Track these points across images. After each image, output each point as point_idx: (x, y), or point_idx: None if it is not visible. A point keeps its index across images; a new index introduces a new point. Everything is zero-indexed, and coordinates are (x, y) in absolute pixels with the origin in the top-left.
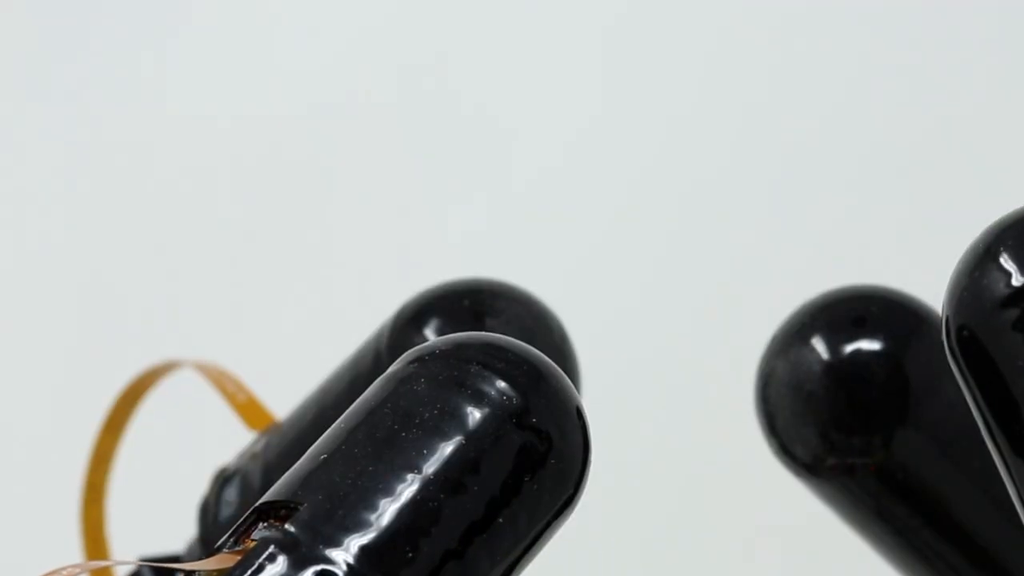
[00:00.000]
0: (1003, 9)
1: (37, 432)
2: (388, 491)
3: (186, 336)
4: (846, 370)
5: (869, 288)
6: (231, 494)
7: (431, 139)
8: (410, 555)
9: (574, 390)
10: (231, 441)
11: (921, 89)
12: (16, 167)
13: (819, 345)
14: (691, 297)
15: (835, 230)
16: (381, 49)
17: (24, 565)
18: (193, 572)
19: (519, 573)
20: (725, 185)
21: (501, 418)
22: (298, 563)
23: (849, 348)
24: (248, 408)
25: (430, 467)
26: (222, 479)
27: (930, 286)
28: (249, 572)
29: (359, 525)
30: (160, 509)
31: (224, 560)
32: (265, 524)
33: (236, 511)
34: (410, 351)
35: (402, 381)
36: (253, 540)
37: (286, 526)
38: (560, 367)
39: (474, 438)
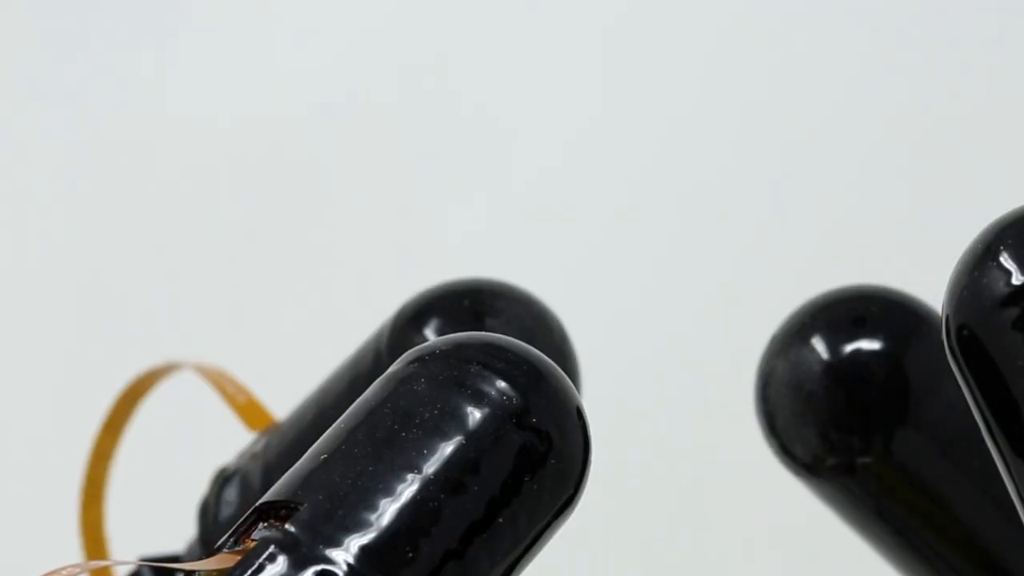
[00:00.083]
0: (1003, 9)
1: (37, 432)
2: (388, 491)
3: (186, 337)
4: (846, 370)
5: (869, 288)
6: (231, 494)
7: (431, 139)
8: (410, 555)
9: (574, 390)
10: (231, 441)
11: (921, 89)
12: (16, 167)
13: (819, 345)
14: (691, 297)
15: (835, 230)
16: (381, 49)
17: (24, 565)
18: (193, 572)
19: (519, 573)
20: (725, 185)
21: (501, 418)
22: (298, 563)
23: (849, 348)
24: (248, 409)
25: (430, 467)
26: (222, 479)
27: (930, 286)
28: (249, 572)
29: (359, 525)
30: (160, 509)
31: (224, 560)
32: (265, 524)
33: (236, 511)
34: (410, 351)
35: (402, 381)
36: (253, 540)
37: (286, 526)
38: (560, 367)
39: (474, 438)
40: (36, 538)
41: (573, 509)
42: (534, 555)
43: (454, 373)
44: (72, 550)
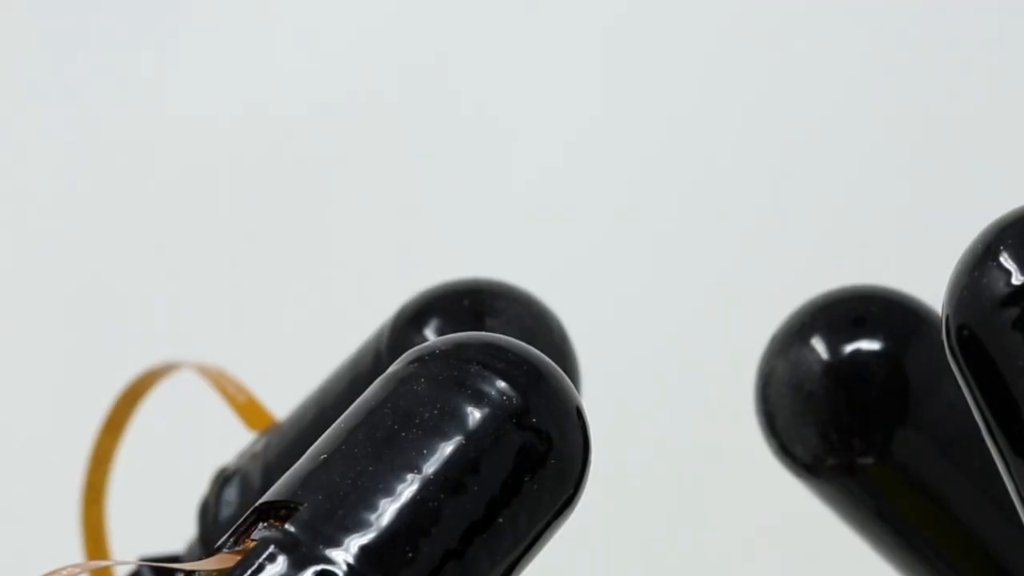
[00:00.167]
0: (1003, 9)
1: (37, 432)
2: (388, 491)
3: (186, 336)
4: (846, 370)
5: (869, 288)
6: (231, 494)
7: (431, 139)
8: (410, 555)
9: (574, 390)
10: (231, 441)
11: (921, 89)
12: (16, 167)
13: (819, 345)
14: (691, 297)
15: (835, 230)
16: (381, 49)
17: (25, 565)
18: (193, 572)
19: (519, 573)
20: (725, 185)
21: (501, 418)
22: (298, 563)
23: (849, 348)
24: (248, 409)
25: (430, 467)
26: (222, 479)
27: (930, 286)
28: (249, 572)
29: (359, 525)
30: (160, 509)
31: (224, 560)
32: (265, 524)
33: (236, 511)
34: (410, 351)
35: (402, 381)
36: (253, 540)
37: (286, 526)
38: (560, 367)
39: (474, 438)
40: (37, 538)
41: (573, 509)
42: (534, 555)
43: (454, 373)
44: (73, 550)
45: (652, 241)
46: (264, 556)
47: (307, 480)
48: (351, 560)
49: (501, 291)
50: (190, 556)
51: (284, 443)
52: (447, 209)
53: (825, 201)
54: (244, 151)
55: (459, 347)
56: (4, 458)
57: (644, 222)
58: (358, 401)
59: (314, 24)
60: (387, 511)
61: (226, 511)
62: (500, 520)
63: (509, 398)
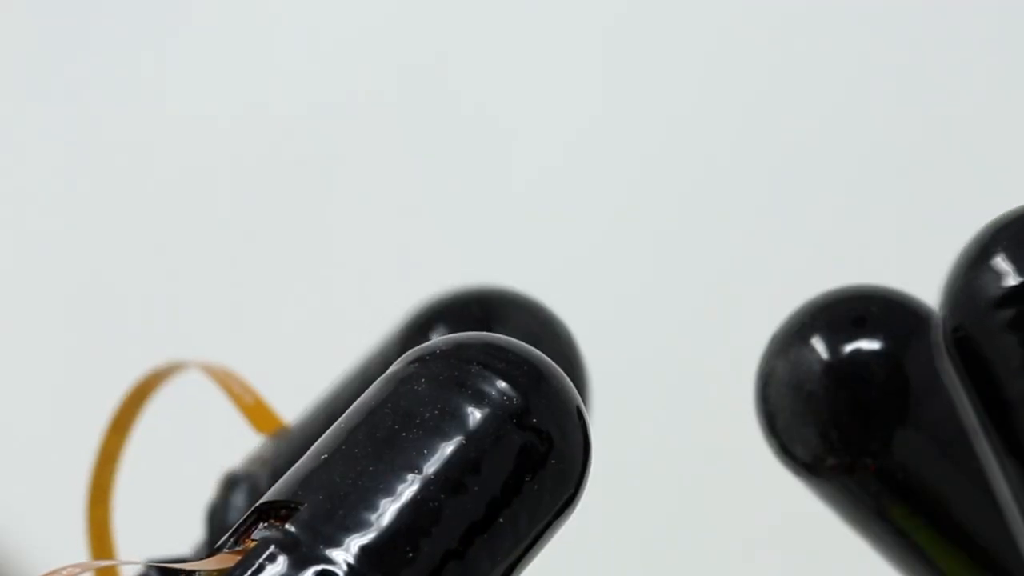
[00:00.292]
0: (1003, 9)
1: (42, 431)
2: (388, 491)
3: (191, 336)
4: (846, 370)
5: (869, 288)
6: (239, 499)
7: (431, 139)
8: (410, 555)
9: (575, 390)
10: (236, 443)
11: (921, 89)
12: (17, 168)
13: (819, 345)
14: (691, 297)
15: (835, 230)
16: (381, 49)
17: (31, 563)
18: (193, 572)
19: (519, 573)
20: (725, 185)
21: (501, 418)
22: (298, 563)
23: (849, 348)
24: (255, 410)
25: (430, 467)
26: (230, 483)
27: (930, 286)
28: (249, 572)
29: (359, 525)
30: (165, 510)
31: (224, 560)
32: (265, 524)
33: None
34: (411, 351)
35: (403, 381)
36: (253, 540)
37: (286, 526)
38: (568, 375)
39: (474, 438)
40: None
41: (573, 509)
42: (534, 555)
43: (455, 373)
44: (79, 549)
45: (652, 241)
46: (264, 556)
47: (307, 480)
48: (351, 560)
49: (510, 298)
50: (196, 559)
51: (294, 450)
52: (448, 209)
53: (825, 201)
54: (245, 151)
55: (460, 347)
56: (10, 457)
57: (644, 222)
58: (359, 401)
59: (314, 24)
60: (387, 511)
61: (234, 516)
62: (500, 520)
63: (510, 398)
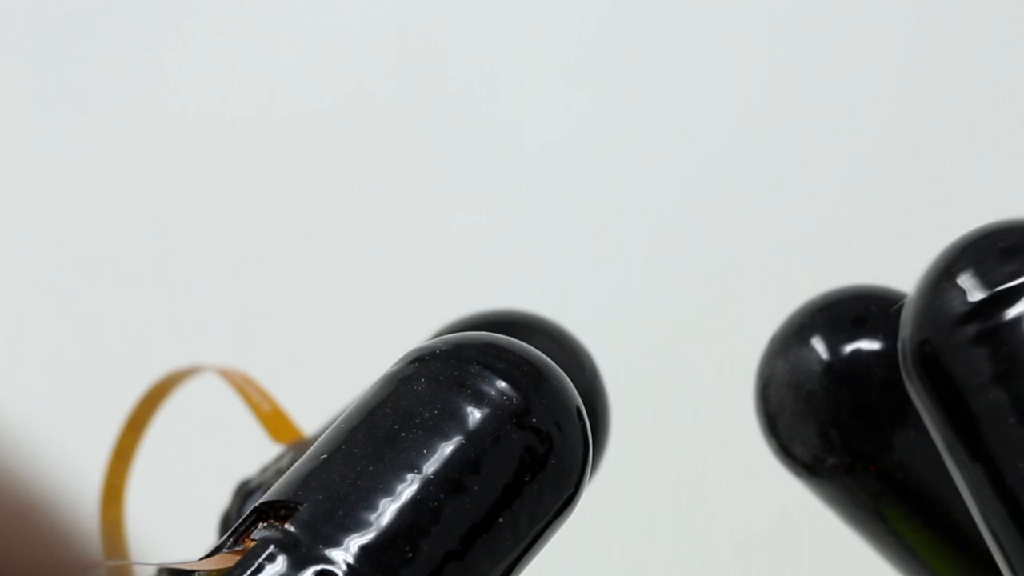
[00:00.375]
0: (1003, 9)
1: (57, 430)
2: (388, 491)
3: (211, 340)
4: (846, 370)
5: (869, 288)
6: None
7: (450, 142)
8: (410, 555)
9: (575, 390)
10: (252, 450)
11: (921, 89)
12: (24, 171)
13: (819, 345)
14: (691, 297)
15: (835, 230)
16: (383, 48)
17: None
18: (192, 572)
19: (519, 573)
20: (725, 185)
21: (501, 418)
22: (298, 563)
23: (849, 348)
24: (273, 419)
25: (430, 467)
26: (244, 492)
27: None
28: (249, 572)
29: (359, 525)
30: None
31: (224, 560)
32: (265, 524)
33: None
34: (411, 350)
35: (403, 381)
36: (253, 540)
37: (286, 526)
38: (591, 405)
39: (474, 438)
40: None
41: (573, 509)
42: (534, 555)
43: (454, 373)
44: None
45: (651, 240)
46: (264, 556)
47: (307, 480)
48: (351, 560)
49: (533, 324)
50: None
51: None
52: (475, 215)
53: (825, 201)
54: (263, 152)
55: (460, 347)
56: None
57: (643, 221)
58: (358, 400)
59: (334, 23)
60: (387, 511)
61: None
62: (500, 520)
63: (509, 398)
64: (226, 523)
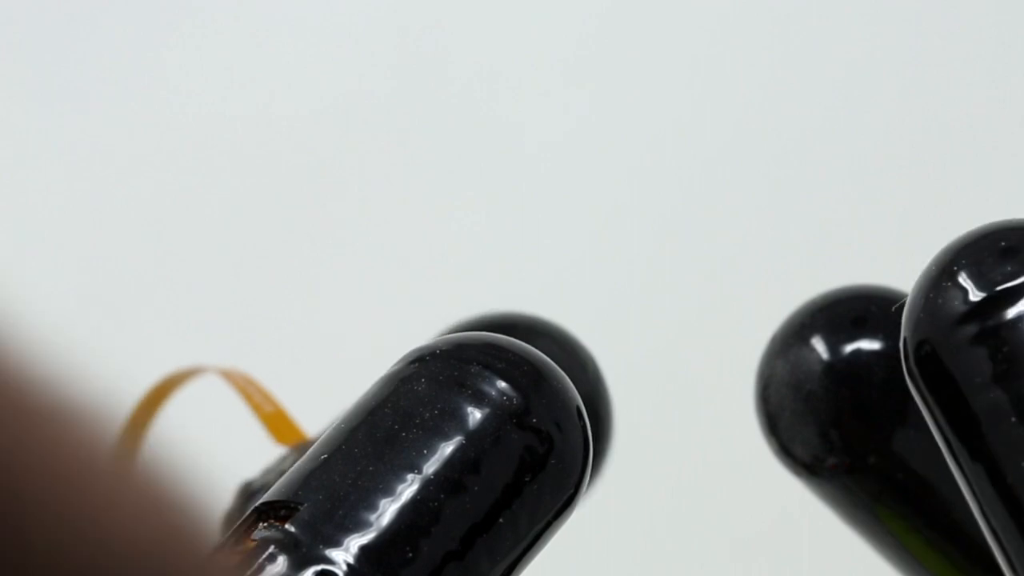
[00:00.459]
0: (1003, 9)
1: None
2: (388, 491)
3: (214, 341)
4: (846, 370)
5: (869, 288)
6: None
7: (450, 144)
8: (410, 555)
9: (574, 390)
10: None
11: (921, 89)
12: (23, 171)
13: (819, 345)
14: (691, 297)
15: (835, 230)
16: (394, 50)
17: None
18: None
19: (519, 573)
20: (725, 185)
21: (501, 418)
22: (298, 563)
23: (849, 348)
24: (275, 420)
25: (430, 467)
26: (247, 493)
27: None
28: (249, 572)
29: (359, 525)
30: None
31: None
32: (265, 524)
33: None
34: (411, 351)
35: (403, 381)
36: (253, 540)
37: (286, 526)
38: (593, 408)
39: (474, 438)
40: None
41: (573, 509)
42: (534, 555)
43: (455, 373)
44: None
45: (651, 240)
46: (264, 556)
47: (307, 480)
48: (351, 560)
49: (536, 327)
50: None
51: None
52: (475, 215)
53: (825, 201)
54: (252, 151)
55: (460, 347)
56: None
57: (644, 221)
58: (359, 400)
59: (337, 23)
60: (387, 511)
61: None
62: (500, 520)
63: (509, 398)
64: (229, 524)
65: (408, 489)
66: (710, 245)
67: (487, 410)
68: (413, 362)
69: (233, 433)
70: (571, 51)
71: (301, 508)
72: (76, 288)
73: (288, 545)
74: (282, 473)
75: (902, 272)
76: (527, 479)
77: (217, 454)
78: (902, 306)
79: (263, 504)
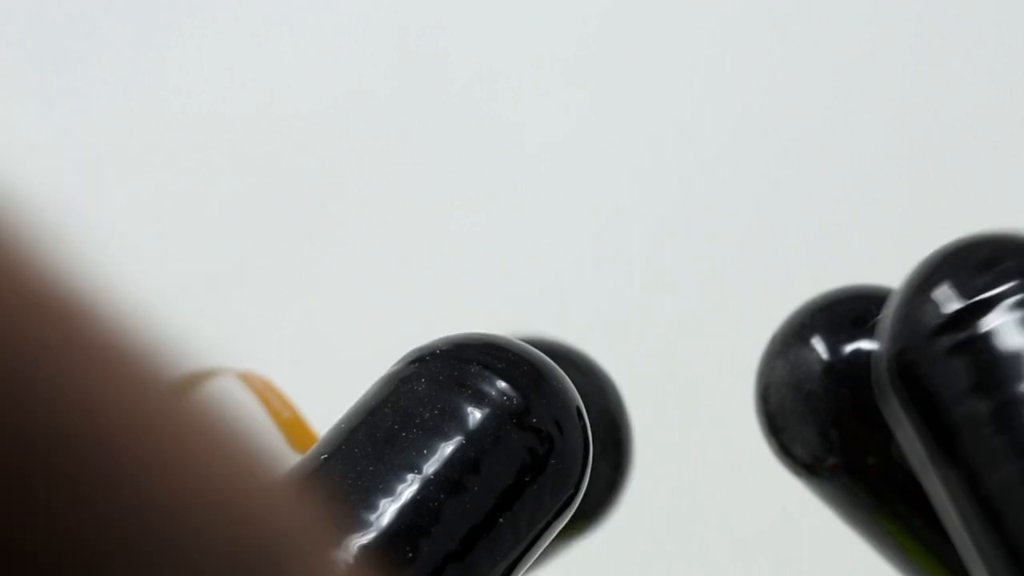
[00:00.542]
0: (1003, 9)
1: None
2: (388, 491)
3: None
4: (846, 370)
5: (869, 288)
6: None
7: (450, 144)
8: (410, 555)
9: (575, 391)
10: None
11: (921, 89)
12: (27, 171)
13: (819, 345)
14: (691, 297)
15: (835, 230)
16: (394, 50)
17: None
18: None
19: (519, 573)
20: (725, 185)
21: (501, 418)
22: None
23: (849, 348)
24: (292, 426)
25: (430, 467)
26: None
27: None
28: None
29: (359, 525)
30: None
31: None
32: None
33: None
34: (411, 351)
35: (403, 381)
36: None
37: None
38: (614, 435)
39: (474, 438)
40: None
41: (573, 509)
42: (534, 555)
43: (455, 373)
44: None
45: (652, 240)
46: None
47: (307, 480)
48: (351, 560)
49: (556, 352)
50: None
51: None
52: (479, 216)
53: (825, 201)
54: (252, 151)
55: (460, 347)
56: None
57: (644, 221)
58: (359, 401)
59: (326, 24)
60: (387, 511)
61: None
62: (501, 520)
63: (509, 398)
64: None
65: (408, 489)
66: (710, 245)
67: (487, 410)
68: (413, 362)
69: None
70: (571, 51)
71: None
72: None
73: None
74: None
75: (902, 272)
76: (527, 479)
77: None
78: (877, 322)
79: None
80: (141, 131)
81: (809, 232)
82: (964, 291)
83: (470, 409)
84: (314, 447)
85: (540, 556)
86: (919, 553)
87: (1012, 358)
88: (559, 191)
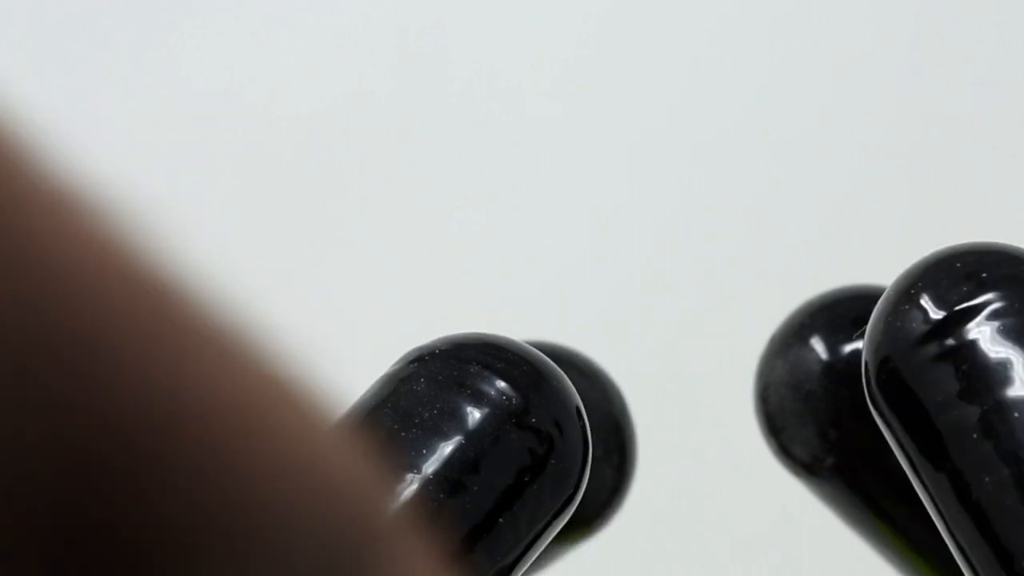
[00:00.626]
0: (1003, 9)
1: None
2: (387, 491)
3: None
4: (846, 370)
5: (869, 288)
6: None
7: (450, 143)
8: None
9: (574, 390)
10: None
11: (922, 89)
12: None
13: (819, 345)
14: (690, 297)
15: (835, 230)
16: (394, 50)
17: None
18: None
19: (519, 573)
20: (724, 184)
21: (501, 418)
22: None
23: (849, 348)
24: None
25: (430, 467)
26: None
27: None
28: None
29: None
30: None
31: None
32: None
33: None
34: (410, 351)
35: (402, 381)
36: None
37: None
38: (618, 441)
39: (474, 438)
40: None
41: (573, 509)
42: (534, 555)
43: (454, 373)
44: None
45: (651, 239)
46: None
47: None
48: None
49: (560, 356)
50: None
51: None
52: (469, 213)
53: (825, 201)
54: (252, 151)
55: (459, 347)
56: None
57: (643, 219)
58: (358, 401)
59: (326, 24)
60: None
61: None
62: (500, 521)
63: (509, 398)
64: None
65: (408, 489)
66: (710, 245)
67: (486, 410)
68: (412, 362)
69: None
70: (571, 51)
71: None
72: None
73: None
74: None
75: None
76: (527, 479)
77: None
78: (862, 333)
79: None
80: (141, 131)
81: (809, 232)
82: (945, 300)
83: (469, 409)
84: None
85: (543, 558)
86: (918, 554)
87: (996, 365)
88: (559, 191)
